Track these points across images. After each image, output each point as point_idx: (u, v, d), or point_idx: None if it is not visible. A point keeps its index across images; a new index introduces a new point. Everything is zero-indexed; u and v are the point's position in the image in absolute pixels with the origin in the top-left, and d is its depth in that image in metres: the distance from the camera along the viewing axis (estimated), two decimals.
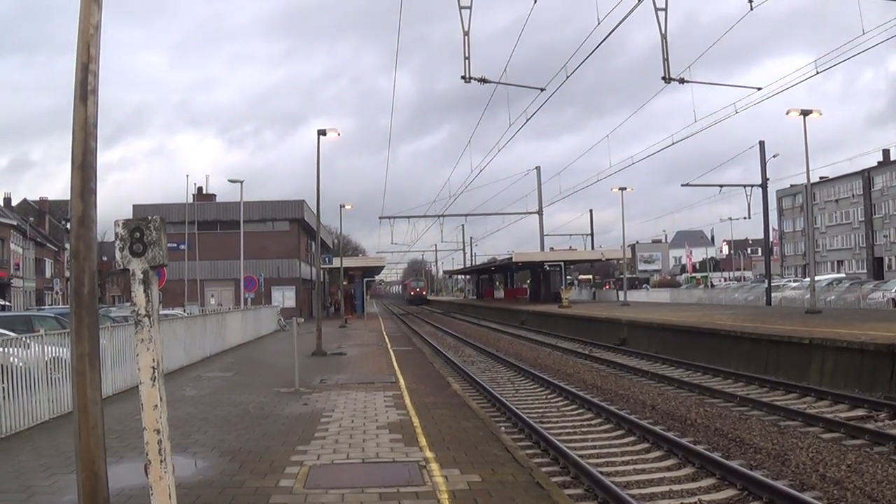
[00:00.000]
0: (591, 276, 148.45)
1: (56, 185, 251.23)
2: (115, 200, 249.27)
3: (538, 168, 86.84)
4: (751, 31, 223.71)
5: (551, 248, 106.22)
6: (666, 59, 26.33)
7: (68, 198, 7.41)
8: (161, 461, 6.92)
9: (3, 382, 15.79)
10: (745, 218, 65.17)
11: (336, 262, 79.63)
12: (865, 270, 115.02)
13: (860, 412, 20.17)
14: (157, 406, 6.96)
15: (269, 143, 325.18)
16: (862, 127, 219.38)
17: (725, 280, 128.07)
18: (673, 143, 42.18)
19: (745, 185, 62.19)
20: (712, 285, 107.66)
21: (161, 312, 38.89)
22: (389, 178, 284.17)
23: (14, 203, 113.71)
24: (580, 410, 22.38)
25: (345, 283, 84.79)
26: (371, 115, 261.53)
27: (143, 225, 7.11)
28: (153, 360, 7.00)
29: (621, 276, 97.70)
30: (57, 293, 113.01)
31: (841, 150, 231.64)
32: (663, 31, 25.76)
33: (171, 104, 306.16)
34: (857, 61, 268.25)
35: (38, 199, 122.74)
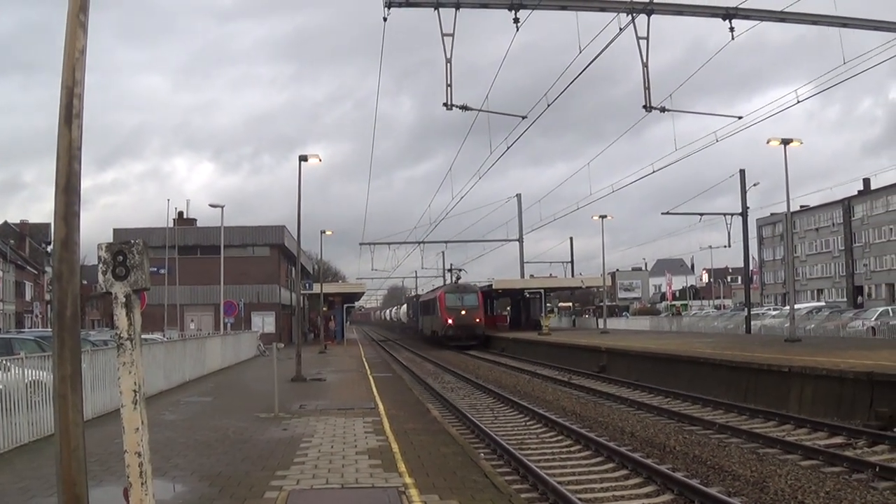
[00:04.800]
0: (571, 304, 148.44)
1: (46, 207, 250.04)
2: (104, 222, 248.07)
3: (518, 195, 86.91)
4: (755, 59, 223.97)
5: (531, 276, 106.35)
6: (647, 88, 26.42)
7: (50, 220, 7.46)
8: (142, 484, 6.94)
9: None
10: (725, 246, 65.50)
11: (316, 288, 79.52)
12: (845, 299, 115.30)
13: (839, 440, 20.24)
14: (138, 429, 6.98)
15: (266, 167, 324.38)
16: (858, 154, 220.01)
17: (703, 308, 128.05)
18: (654, 171, 42.31)
19: (725, 214, 62.48)
20: (679, 313, 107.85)
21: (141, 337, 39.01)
22: (382, 204, 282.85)
23: None
24: (559, 437, 22.42)
25: (324, 308, 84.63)
26: (370, 140, 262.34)
27: (126, 249, 7.14)
28: (135, 383, 7.03)
29: (601, 304, 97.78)
30: (37, 316, 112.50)
31: (835, 178, 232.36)
32: (644, 60, 25.87)
33: (170, 127, 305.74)
34: (857, 89, 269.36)
35: (18, 221, 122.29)
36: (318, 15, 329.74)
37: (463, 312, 79.74)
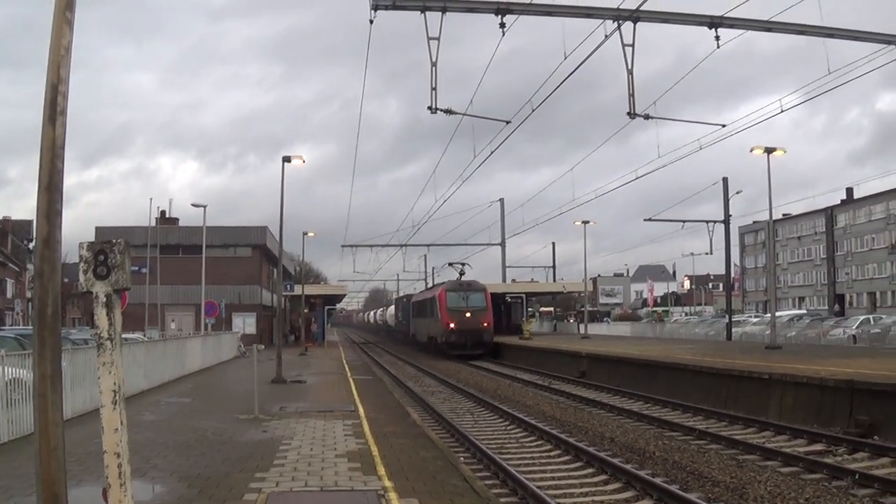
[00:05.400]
0: (552, 309, 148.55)
1: (29, 204, 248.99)
2: (88, 220, 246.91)
3: (501, 200, 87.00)
4: (743, 68, 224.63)
5: (513, 280, 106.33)
6: (632, 95, 26.49)
7: (32, 218, 7.44)
8: (121, 485, 6.91)
9: None
10: (707, 253, 65.64)
11: (298, 290, 79.36)
12: (827, 307, 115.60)
13: (819, 447, 20.28)
14: (117, 429, 6.96)
15: (251, 167, 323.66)
16: (843, 164, 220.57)
17: (686, 315, 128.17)
18: (637, 178, 42.48)
19: (707, 221, 62.61)
20: (662, 319, 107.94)
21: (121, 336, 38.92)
22: (366, 206, 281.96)
23: None
24: (539, 442, 22.43)
25: (306, 310, 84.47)
26: (357, 142, 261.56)
27: (107, 248, 7.11)
28: (115, 383, 7.00)
29: (582, 309, 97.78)
30: (18, 314, 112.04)
31: (820, 187, 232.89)
32: (629, 67, 25.92)
33: (157, 125, 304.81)
34: (844, 99, 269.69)
35: (1, 217, 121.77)
36: (308, 15, 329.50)
37: (468, 315, 67.55)
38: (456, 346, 66.36)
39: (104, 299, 7.06)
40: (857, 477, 16.14)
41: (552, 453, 20.68)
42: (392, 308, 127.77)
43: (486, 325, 68.14)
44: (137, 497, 8.53)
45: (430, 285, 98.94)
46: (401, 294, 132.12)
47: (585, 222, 74.19)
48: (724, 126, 30.51)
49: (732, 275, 79.60)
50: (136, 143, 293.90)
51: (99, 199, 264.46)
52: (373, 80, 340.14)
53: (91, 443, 15.57)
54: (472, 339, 66.63)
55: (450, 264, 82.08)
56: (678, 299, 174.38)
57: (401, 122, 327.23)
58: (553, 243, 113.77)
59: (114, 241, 7.15)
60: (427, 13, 24.67)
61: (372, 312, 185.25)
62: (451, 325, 66.96)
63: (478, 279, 77.21)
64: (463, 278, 74.23)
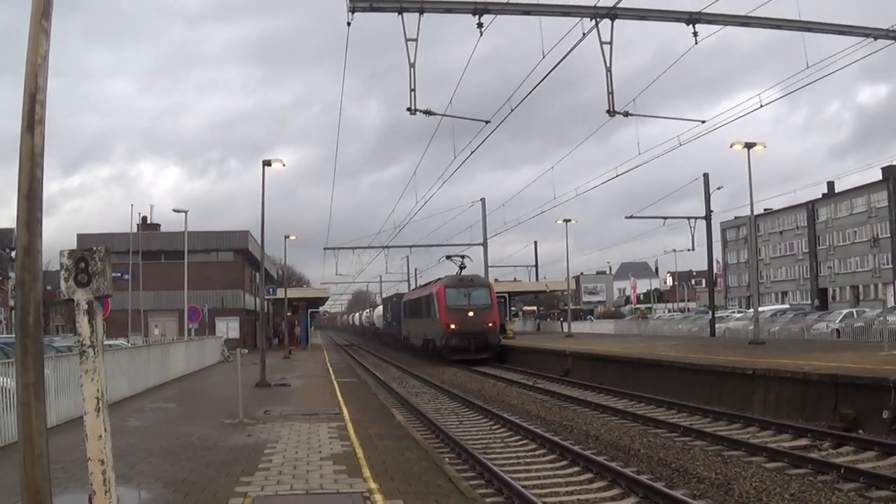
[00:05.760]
0: (535, 308, 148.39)
1: (10, 213, 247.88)
2: (71, 227, 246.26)
3: (483, 200, 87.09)
4: (724, 63, 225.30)
5: (496, 280, 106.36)
6: (611, 93, 26.51)
7: (14, 226, 7.42)
8: (106, 491, 6.93)
9: None
10: (689, 250, 65.65)
11: (280, 293, 79.29)
12: (810, 301, 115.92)
13: (804, 441, 20.35)
14: (101, 436, 6.97)
15: (233, 172, 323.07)
16: (824, 158, 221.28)
17: (669, 311, 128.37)
18: (617, 175, 42.55)
19: (688, 218, 62.65)
20: (645, 316, 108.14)
21: (104, 343, 38.82)
22: (348, 209, 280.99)
23: None
24: (524, 441, 22.43)
25: (289, 313, 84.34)
26: (338, 144, 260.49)
27: (88, 255, 7.12)
28: (98, 390, 7.01)
29: (566, 308, 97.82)
30: (1, 322, 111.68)
31: (802, 181, 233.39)
32: (608, 65, 25.95)
33: (137, 130, 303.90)
34: (824, 93, 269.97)
35: None
36: (287, 18, 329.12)
37: (470, 314, 59.65)
38: (457, 350, 58.47)
39: (86, 307, 7.07)
40: (842, 471, 16.18)
41: (537, 452, 20.69)
42: (380, 309, 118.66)
43: (491, 325, 60.34)
44: (123, 503, 8.53)
45: (420, 283, 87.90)
46: (389, 294, 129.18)
47: (567, 221, 74.37)
48: (703, 122, 30.64)
49: (715, 270, 79.94)
50: (118, 150, 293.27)
51: (81, 206, 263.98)
52: (353, 83, 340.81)
53: (76, 450, 15.51)
54: (475, 341, 58.79)
55: (447, 257, 72.20)
56: (661, 296, 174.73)
57: (382, 123, 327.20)
58: (535, 242, 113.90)
59: (94, 248, 7.16)
60: (404, 14, 24.65)
61: (357, 314, 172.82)
62: (452, 327, 59.11)
63: None
64: (464, 273, 65.78)
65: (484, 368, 52.78)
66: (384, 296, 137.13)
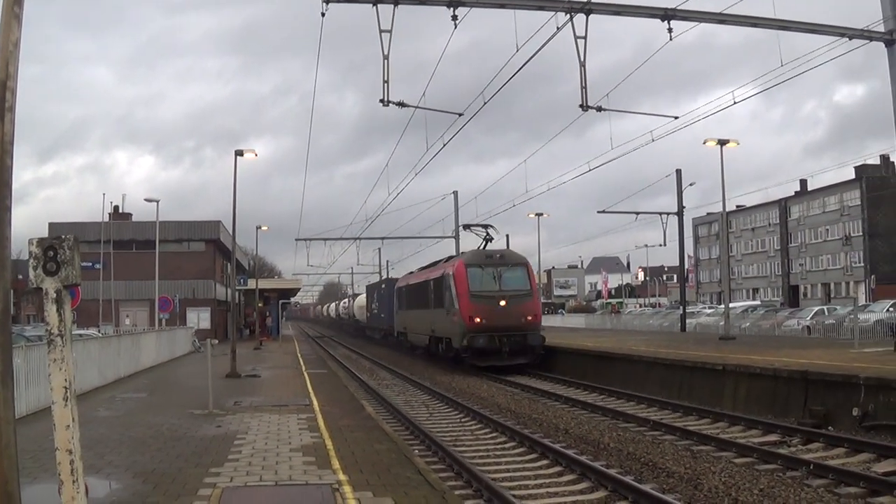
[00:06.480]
0: None
1: None
2: (44, 216, 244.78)
3: (455, 193, 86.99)
4: (703, 60, 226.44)
5: None
6: (584, 87, 26.52)
7: None
8: (73, 481, 6.90)
9: None
10: (660, 245, 65.80)
11: (252, 284, 79.11)
12: (781, 298, 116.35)
13: (773, 437, 20.38)
14: (69, 426, 6.94)
15: (208, 161, 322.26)
16: (800, 156, 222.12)
17: (641, 306, 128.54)
18: (590, 170, 42.55)
19: (661, 213, 62.76)
20: (617, 311, 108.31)
21: (75, 332, 38.56)
22: (323, 200, 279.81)
23: None
24: (494, 434, 22.46)
25: (260, 304, 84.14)
26: (313, 135, 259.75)
27: (56, 244, 7.09)
28: (66, 379, 6.98)
29: None
30: None
31: (777, 179, 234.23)
32: (582, 60, 25.96)
33: (113, 119, 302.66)
34: (801, 92, 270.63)
35: None
36: (267, 8, 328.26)
37: (502, 304, 42.68)
38: (485, 354, 42.11)
39: (54, 295, 7.04)
40: (811, 467, 16.23)
41: (507, 445, 20.71)
42: (362, 298, 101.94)
43: (530, 318, 43.28)
44: (92, 493, 8.52)
45: (422, 266, 64.99)
46: (364, 283, 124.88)
47: (539, 215, 74.48)
48: (676, 118, 30.66)
49: (686, 266, 79.99)
50: (93, 138, 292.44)
51: (55, 195, 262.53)
52: (330, 74, 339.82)
53: (47, 440, 15.47)
54: (511, 342, 41.97)
55: (465, 227, 53.30)
56: (632, 291, 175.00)
57: (358, 115, 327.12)
58: (507, 235, 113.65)
59: (63, 237, 7.13)
60: (379, 6, 24.60)
61: (333, 305, 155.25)
62: (477, 320, 42.37)
63: None
64: (489, 247, 47.95)
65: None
66: (356, 288, 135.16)
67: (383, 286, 78.42)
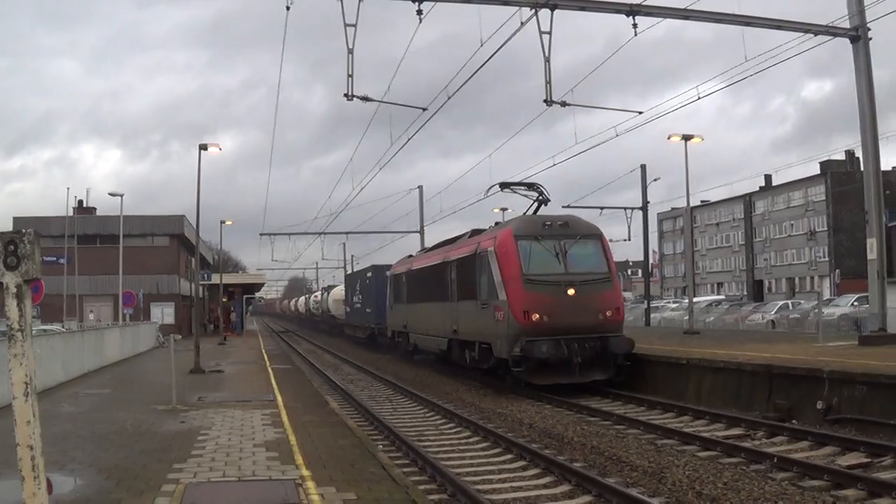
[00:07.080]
0: None
1: None
2: (10, 210, 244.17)
3: (420, 187, 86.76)
4: (671, 56, 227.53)
5: None
6: (548, 83, 26.64)
7: None
8: (35, 478, 6.86)
9: None
10: (625, 240, 65.91)
11: (216, 279, 78.88)
12: (745, 293, 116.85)
13: (737, 431, 20.45)
14: (30, 422, 6.91)
15: (175, 155, 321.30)
16: (767, 151, 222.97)
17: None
18: (554, 165, 42.46)
19: (625, 208, 62.92)
20: None
21: (39, 328, 38.37)
22: (289, 194, 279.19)
23: None
24: (458, 428, 22.51)
25: (224, 299, 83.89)
26: (280, 129, 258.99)
27: (17, 238, 7.05)
28: (26, 375, 6.94)
29: None
30: None
31: (743, 174, 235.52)
32: (546, 55, 26.04)
33: (80, 112, 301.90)
34: (769, 87, 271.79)
35: None
36: (236, 1, 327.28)
37: (571, 292, 29.11)
38: (545, 369, 28.36)
39: (14, 290, 7.00)
40: (775, 461, 16.28)
41: (471, 440, 20.76)
42: (338, 291, 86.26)
43: (610, 314, 29.93)
44: (56, 489, 8.50)
45: (427, 247, 53.84)
46: (324, 283, 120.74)
47: (504, 209, 74.26)
48: (640, 113, 30.78)
49: (651, 261, 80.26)
50: (60, 131, 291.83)
51: (22, 189, 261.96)
52: (299, 68, 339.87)
53: (10, 436, 15.41)
54: (584, 349, 28.47)
55: (501, 186, 34.74)
56: None
57: (326, 109, 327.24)
58: (472, 230, 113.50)
59: (23, 231, 7.08)
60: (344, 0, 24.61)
61: (302, 299, 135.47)
62: (535, 317, 28.71)
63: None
64: (542, 212, 33.71)
65: (418, 357, 46.04)
66: (321, 282, 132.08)
67: (369, 274, 62.44)
